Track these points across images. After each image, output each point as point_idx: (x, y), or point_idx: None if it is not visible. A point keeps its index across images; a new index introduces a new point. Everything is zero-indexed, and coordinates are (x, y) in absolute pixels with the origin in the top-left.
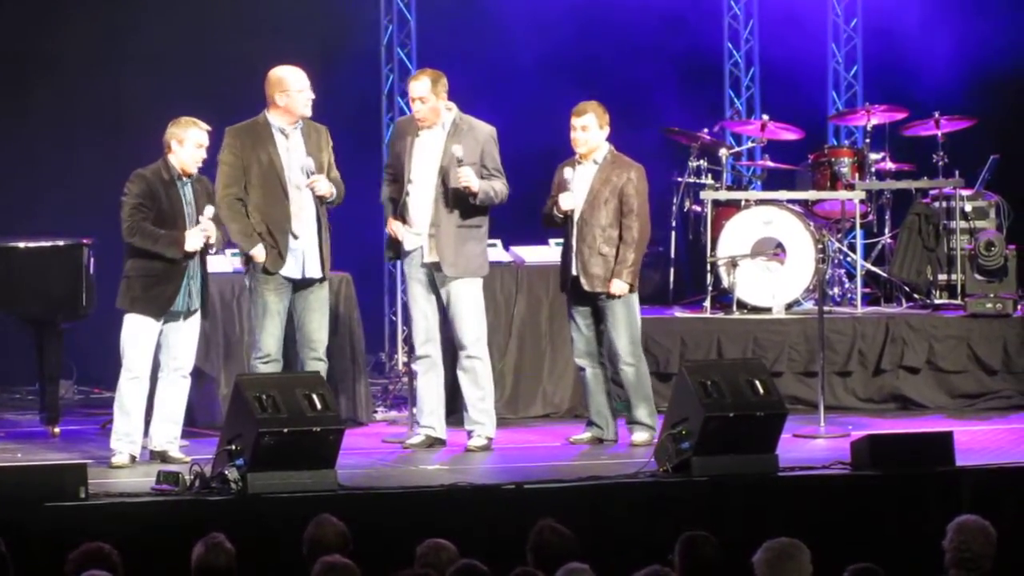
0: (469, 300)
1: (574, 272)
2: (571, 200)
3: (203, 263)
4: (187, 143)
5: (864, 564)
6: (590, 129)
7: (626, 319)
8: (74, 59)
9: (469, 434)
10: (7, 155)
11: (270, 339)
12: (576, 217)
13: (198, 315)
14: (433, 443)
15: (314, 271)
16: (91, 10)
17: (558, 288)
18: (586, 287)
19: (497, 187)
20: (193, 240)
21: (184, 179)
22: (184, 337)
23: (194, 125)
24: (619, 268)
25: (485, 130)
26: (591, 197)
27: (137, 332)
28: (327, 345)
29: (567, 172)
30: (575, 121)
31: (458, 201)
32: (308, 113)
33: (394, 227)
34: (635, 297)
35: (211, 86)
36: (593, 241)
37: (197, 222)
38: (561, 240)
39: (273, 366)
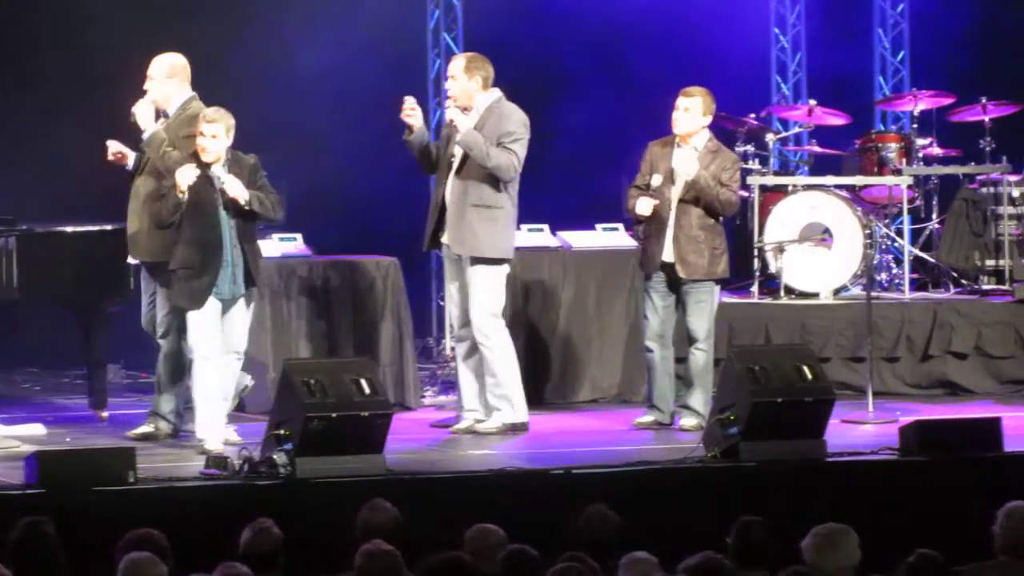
0: (479, 284)
1: (668, 259)
2: (690, 169)
3: (244, 249)
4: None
5: (925, 550)
6: (692, 112)
7: (711, 305)
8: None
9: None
10: (57, 142)
11: None
12: (675, 202)
13: (243, 299)
14: None
15: None
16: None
17: (605, 273)
18: (683, 274)
19: (495, 153)
20: (183, 175)
21: (215, 163)
22: (235, 319)
23: (200, 118)
24: (704, 176)
25: (515, 113)
26: (691, 182)
27: (196, 320)
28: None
29: (676, 157)
30: (680, 101)
31: (477, 180)
32: None
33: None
34: (718, 288)
35: (249, 71)
36: (690, 228)
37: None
38: (611, 226)
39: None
